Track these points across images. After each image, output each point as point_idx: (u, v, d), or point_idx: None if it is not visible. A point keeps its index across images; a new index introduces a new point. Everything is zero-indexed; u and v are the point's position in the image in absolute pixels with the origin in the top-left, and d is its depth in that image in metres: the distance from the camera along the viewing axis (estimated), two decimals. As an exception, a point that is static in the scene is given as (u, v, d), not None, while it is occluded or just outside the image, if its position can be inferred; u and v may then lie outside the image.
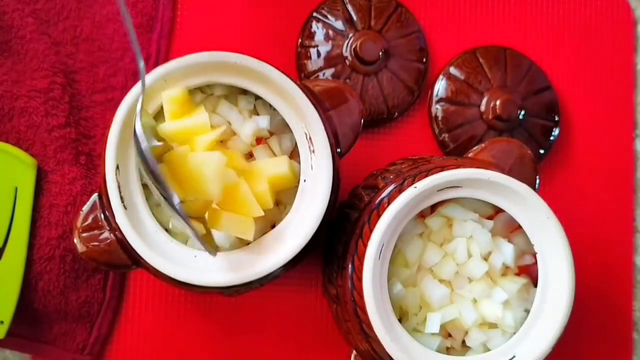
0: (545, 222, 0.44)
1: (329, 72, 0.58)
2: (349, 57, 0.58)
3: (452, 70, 0.60)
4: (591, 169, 0.61)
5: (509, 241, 0.47)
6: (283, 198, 0.47)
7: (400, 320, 0.45)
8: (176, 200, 0.39)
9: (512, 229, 0.47)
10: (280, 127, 0.47)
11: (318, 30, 0.59)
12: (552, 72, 0.61)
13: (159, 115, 0.46)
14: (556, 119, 0.60)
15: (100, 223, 0.45)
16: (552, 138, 0.60)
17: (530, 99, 0.59)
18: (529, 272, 0.47)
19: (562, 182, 0.61)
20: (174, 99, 0.44)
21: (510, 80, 0.59)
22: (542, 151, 0.60)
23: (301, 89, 0.45)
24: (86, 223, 0.46)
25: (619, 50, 0.63)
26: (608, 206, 0.61)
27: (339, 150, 0.47)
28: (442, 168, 0.44)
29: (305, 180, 0.45)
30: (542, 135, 0.60)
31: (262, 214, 0.43)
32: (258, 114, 0.47)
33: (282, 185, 0.45)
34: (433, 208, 0.46)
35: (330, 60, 0.58)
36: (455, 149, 0.58)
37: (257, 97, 0.47)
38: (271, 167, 0.45)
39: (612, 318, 0.60)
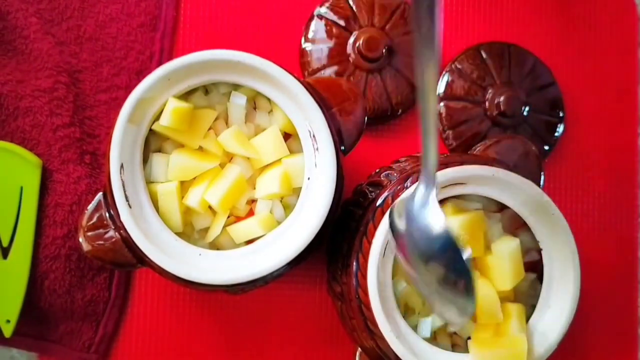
0: (550, 219, 0.44)
1: (332, 70, 0.58)
2: (352, 55, 0.58)
3: (456, 66, 0.59)
4: (596, 164, 0.61)
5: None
6: (287, 198, 0.47)
7: (404, 317, 0.45)
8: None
9: (517, 225, 0.47)
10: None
11: (321, 27, 0.59)
12: (557, 68, 0.61)
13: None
14: (561, 115, 0.60)
15: (105, 222, 0.45)
16: (556, 134, 0.60)
17: (534, 95, 0.59)
18: (534, 268, 0.47)
19: (566, 179, 0.61)
20: (176, 111, 0.44)
21: (514, 76, 0.59)
22: (546, 147, 0.59)
23: (304, 86, 0.45)
24: (91, 222, 0.46)
25: (623, 45, 0.63)
26: (613, 202, 0.61)
27: (342, 147, 0.47)
28: (446, 165, 0.44)
29: (309, 178, 0.45)
30: (546, 131, 0.59)
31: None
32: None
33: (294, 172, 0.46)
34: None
35: (334, 57, 0.58)
36: (459, 146, 0.58)
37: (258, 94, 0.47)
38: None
39: (618, 314, 0.60)
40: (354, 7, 0.59)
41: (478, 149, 0.49)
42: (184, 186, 0.46)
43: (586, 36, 0.63)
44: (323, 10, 0.59)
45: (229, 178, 0.45)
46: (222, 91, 0.47)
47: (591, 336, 0.60)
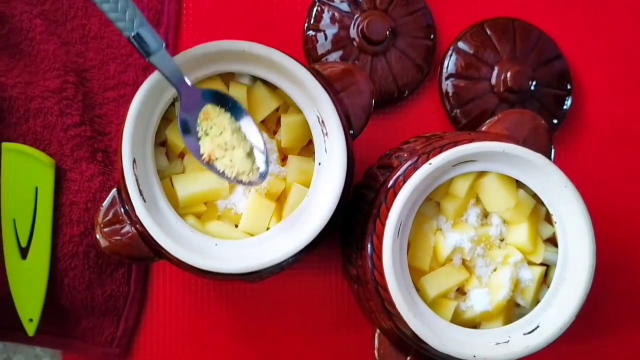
0: (563, 191, 0.44)
1: (337, 55, 0.58)
2: (357, 38, 0.58)
3: (461, 44, 0.59)
4: (606, 136, 0.61)
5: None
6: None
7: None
8: None
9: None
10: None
11: (323, 13, 0.59)
12: (562, 40, 0.60)
13: (169, 110, 0.47)
14: (568, 87, 0.60)
15: (120, 217, 0.46)
16: (565, 107, 0.60)
17: (541, 69, 0.59)
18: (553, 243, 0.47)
19: (577, 151, 0.61)
20: None
21: (520, 51, 0.59)
22: (555, 121, 0.59)
23: (311, 72, 0.45)
24: (107, 218, 0.46)
25: (629, 13, 0.62)
26: (625, 173, 0.61)
27: (351, 131, 0.47)
28: (456, 143, 0.44)
29: (320, 163, 0.46)
30: (554, 105, 0.59)
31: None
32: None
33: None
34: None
35: (338, 42, 0.58)
36: (468, 124, 0.58)
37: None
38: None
39: (634, 284, 0.60)
40: (356, -9, 0.59)
41: (487, 125, 0.49)
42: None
43: (591, 5, 0.62)
44: (325, -5, 0.59)
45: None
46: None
47: (609, 308, 0.59)
